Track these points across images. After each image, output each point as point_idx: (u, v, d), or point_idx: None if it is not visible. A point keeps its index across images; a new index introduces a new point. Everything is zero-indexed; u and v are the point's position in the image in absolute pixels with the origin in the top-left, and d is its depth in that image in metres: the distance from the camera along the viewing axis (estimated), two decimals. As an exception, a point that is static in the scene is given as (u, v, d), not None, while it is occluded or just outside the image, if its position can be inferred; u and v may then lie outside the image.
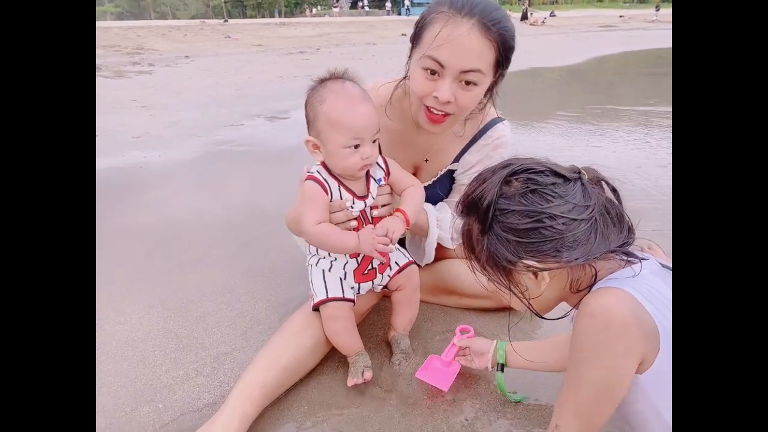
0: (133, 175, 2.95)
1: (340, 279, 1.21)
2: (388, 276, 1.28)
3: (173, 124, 4.32)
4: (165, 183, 2.79)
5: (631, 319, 0.72)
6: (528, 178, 0.79)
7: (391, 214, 1.17)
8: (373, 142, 1.09)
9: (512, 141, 1.36)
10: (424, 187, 1.37)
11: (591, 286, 0.81)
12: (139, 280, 1.75)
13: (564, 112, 4.65)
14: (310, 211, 1.11)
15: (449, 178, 1.40)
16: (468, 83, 1.11)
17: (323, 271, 1.21)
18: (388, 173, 1.20)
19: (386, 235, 1.09)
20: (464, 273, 1.46)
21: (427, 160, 1.39)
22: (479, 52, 1.07)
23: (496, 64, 1.12)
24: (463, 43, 1.05)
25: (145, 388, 1.24)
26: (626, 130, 3.88)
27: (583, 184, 0.80)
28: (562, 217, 0.76)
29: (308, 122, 1.11)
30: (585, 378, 0.77)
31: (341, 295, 1.19)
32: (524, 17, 23.25)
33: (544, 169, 0.80)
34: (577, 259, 0.76)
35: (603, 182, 0.83)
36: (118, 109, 5.02)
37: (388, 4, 44.56)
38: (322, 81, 1.10)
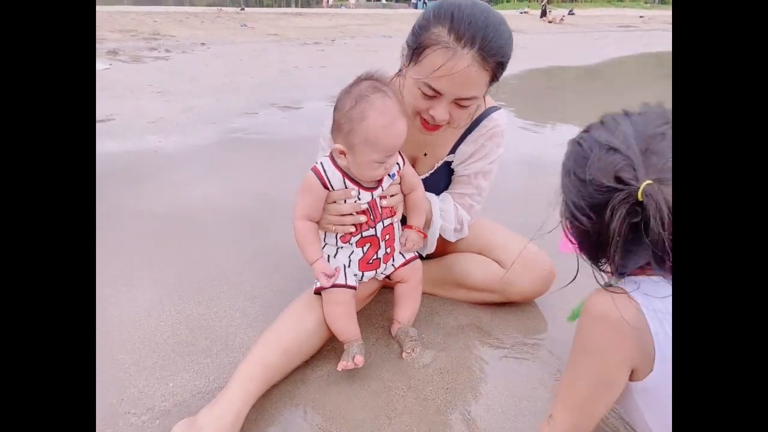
0: (148, 159, 2.99)
1: (344, 266, 1.22)
2: (392, 266, 1.29)
3: (188, 110, 4.34)
4: (179, 168, 2.82)
5: (625, 327, 0.73)
6: None
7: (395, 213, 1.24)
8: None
9: (508, 128, 1.38)
10: (423, 179, 1.40)
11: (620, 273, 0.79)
12: (152, 261, 1.78)
13: (580, 112, 4.60)
14: (300, 203, 1.16)
15: (447, 169, 1.41)
16: (461, 105, 1.14)
17: (328, 256, 1.23)
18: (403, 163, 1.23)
19: (409, 248, 1.25)
20: (472, 268, 1.47)
21: (425, 154, 1.40)
22: (476, 83, 1.09)
23: (489, 82, 1.14)
24: (461, 77, 1.06)
25: (155, 366, 1.27)
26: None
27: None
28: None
29: (338, 128, 1.08)
30: (579, 375, 0.82)
31: (344, 282, 1.21)
32: (543, 14, 22.98)
33: None
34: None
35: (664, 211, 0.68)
36: (135, 93, 5.06)
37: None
38: (360, 85, 1.07)
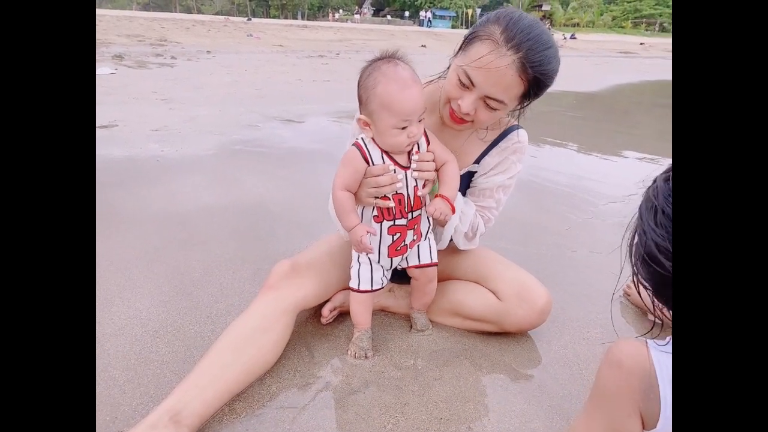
0: (149, 167, 3.00)
1: (371, 270, 1.35)
2: (417, 255, 1.39)
3: (191, 119, 4.38)
4: (180, 178, 2.83)
5: (634, 377, 0.74)
6: None
7: (437, 196, 1.26)
8: (419, 121, 1.17)
9: (528, 148, 1.43)
10: None
11: None
12: (151, 274, 1.78)
13: (578, 137, 4.66)
14: (340, 173, 1.22)
15: (468, 179, 1.45)
16: (489, 106, 1.18)
17: (360, 264, 1.36)
18: (428, 144, 1.27)
19: (437, 217, 1.24)
20: (468, 297, 1.49)
21: None
22: (508, 87, 1.14)
23: (522, 96, 1.19)
24: (497, 75, 1.12)
25: (150, 384, 1.27)
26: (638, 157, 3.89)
27: None
28: None
29: (360, 102, 1.18)
30: (594, 418, 0.83)
31: (369, 288, 1.36)
32: (545, 38, 23.32)
33: None
34: None
35: None
36: (140, 100, 5.09)
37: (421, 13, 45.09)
38: (375, 62, 1.16)
